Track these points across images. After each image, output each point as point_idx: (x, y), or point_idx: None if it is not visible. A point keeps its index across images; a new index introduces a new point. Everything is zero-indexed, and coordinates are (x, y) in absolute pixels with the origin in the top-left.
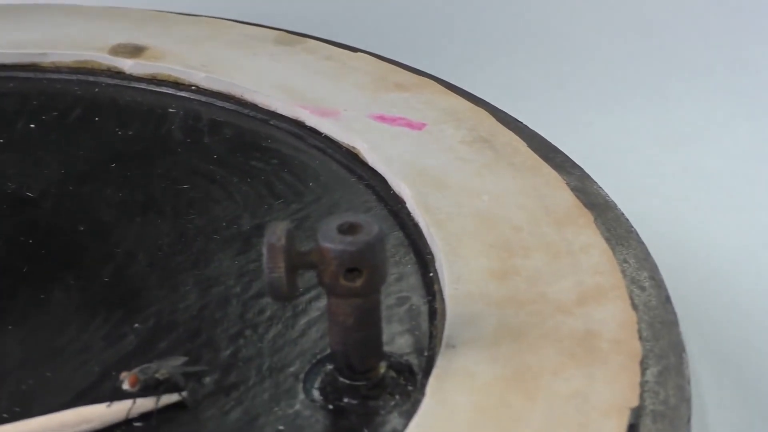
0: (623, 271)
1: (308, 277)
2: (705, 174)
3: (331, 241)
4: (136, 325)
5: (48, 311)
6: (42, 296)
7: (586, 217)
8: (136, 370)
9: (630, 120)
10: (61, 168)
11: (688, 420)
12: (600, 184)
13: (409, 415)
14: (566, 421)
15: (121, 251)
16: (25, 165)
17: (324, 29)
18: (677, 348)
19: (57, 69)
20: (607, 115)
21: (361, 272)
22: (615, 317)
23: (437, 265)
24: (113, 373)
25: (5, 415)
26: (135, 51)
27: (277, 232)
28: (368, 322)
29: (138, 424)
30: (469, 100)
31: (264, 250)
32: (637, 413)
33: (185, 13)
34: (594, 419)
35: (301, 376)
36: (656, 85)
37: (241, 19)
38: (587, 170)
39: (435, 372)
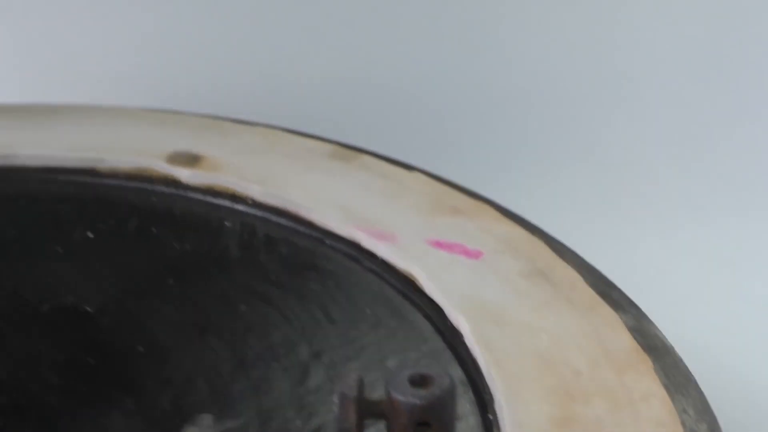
0: (683, 423)
1: None
2: (756, 301)
3: (402, 394)
4: None
5: None
6: (103, 421)
7: (645, 363)
8: None
9: (675, 239)
10: (119, 282)
11: None
12: (643, 307)
13: None
14: None
15: (180, 375)
16: (83, 277)
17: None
18: None
19: (114, 175)
20: (651, 233)
21: (431, 426)
22: None
23: (497, 407)
24: None
25: None
26: (192, 160)
27: (349, 383)
28: None
29: None
30: (524, 227)
31: (336, 400)
32: None
33: (242, 119)
34: None
35: None
36: (701, 203)
37: (296, 128)
38: (630, 292)
39: None
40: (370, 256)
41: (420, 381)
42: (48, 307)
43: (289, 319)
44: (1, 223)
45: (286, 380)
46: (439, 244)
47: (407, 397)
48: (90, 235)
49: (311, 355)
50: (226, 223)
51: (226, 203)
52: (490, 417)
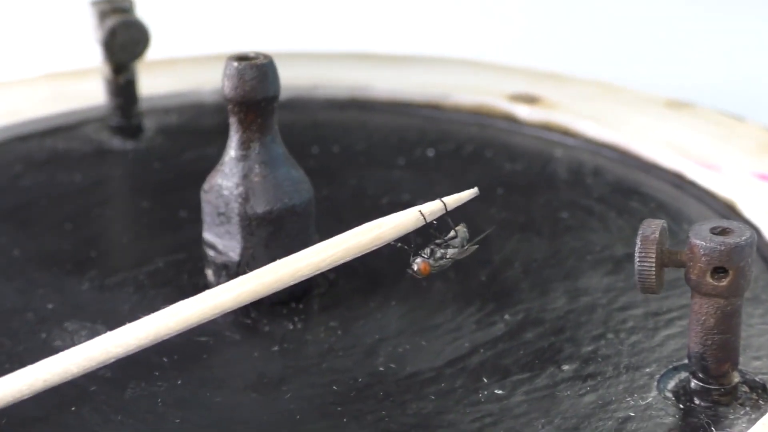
0: None
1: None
2: None
3: (702, 239)
4: (506, 316)
5: (428, 296)
6: (424, 284)
7: None
8: (426, 258)
9: None
10: (451, 188)
11: None
12: None
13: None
14: None
15: (498, 258)
16: (420, 183)
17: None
18: None
19: (457, 110)
20: None
21: (728, 273)
22: None
23: None
24: (481, 351)
25: (381, 369)
26: (530, 100)
27: (652, 226)
28: (728, 325)
29: None
30: None
31: (638, 240)
32: None
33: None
34: None
35: (657, 377)
36: None
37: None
38: None
39: None
40: (693, 186)
41: (721, 232)
42: (387, 200)
43: (607, 226)
44: (351, 139)
45: (597, 270)
46: (763, 177)
47: (707, 242)
48: (429, 154)
49: (625, 255)
50: (556, 155)
51: (558, 138)
52: None
